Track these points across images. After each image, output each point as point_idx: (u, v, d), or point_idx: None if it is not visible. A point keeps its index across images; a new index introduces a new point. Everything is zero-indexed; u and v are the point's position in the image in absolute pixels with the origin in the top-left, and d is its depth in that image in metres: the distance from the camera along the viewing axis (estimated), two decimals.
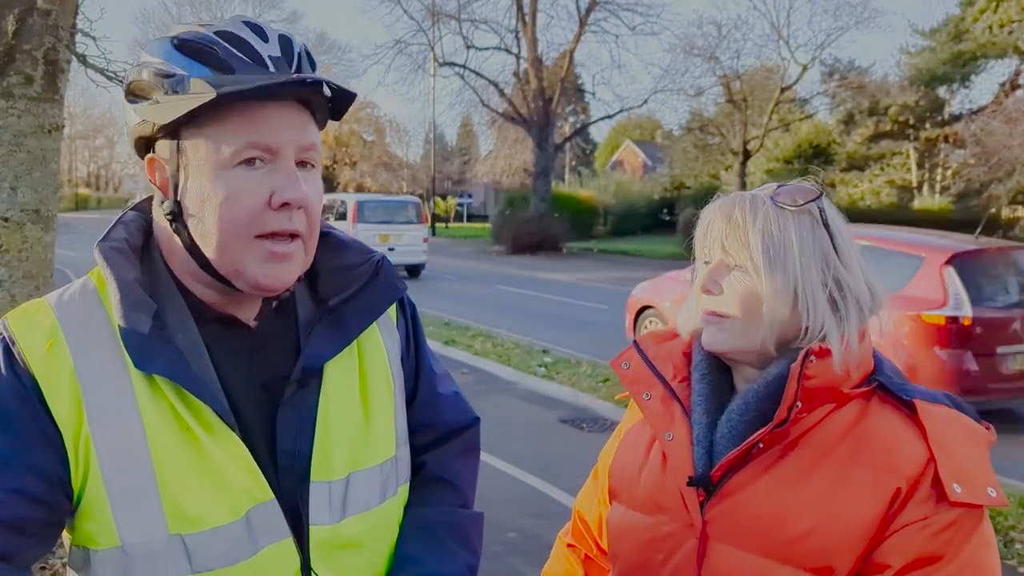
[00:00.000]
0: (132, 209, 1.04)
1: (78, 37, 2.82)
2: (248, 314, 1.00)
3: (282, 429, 0.97)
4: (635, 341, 1.23)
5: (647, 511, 1.12)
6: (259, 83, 0.88)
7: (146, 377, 0.90)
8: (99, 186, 63.60)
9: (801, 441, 1.02)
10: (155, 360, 0.88)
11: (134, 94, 0.94)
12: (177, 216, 0.93)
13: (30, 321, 0.92)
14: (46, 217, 2.70)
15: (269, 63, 0.91)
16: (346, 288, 1.04)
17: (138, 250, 0.98)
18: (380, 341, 1.09)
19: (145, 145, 0.96)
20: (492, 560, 3.80)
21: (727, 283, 1.06)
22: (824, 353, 1.00)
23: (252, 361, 0.98)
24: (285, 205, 0.91)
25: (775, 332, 1.05)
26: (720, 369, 1.13)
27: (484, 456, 5.30)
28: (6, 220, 2.60)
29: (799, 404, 1.00)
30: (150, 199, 1.04)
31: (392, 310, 1.13)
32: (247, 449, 0.93)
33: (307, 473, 0.97)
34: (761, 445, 1.02)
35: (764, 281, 1.03)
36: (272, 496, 0.94)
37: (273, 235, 0.92)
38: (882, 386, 1.05)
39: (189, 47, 0.91)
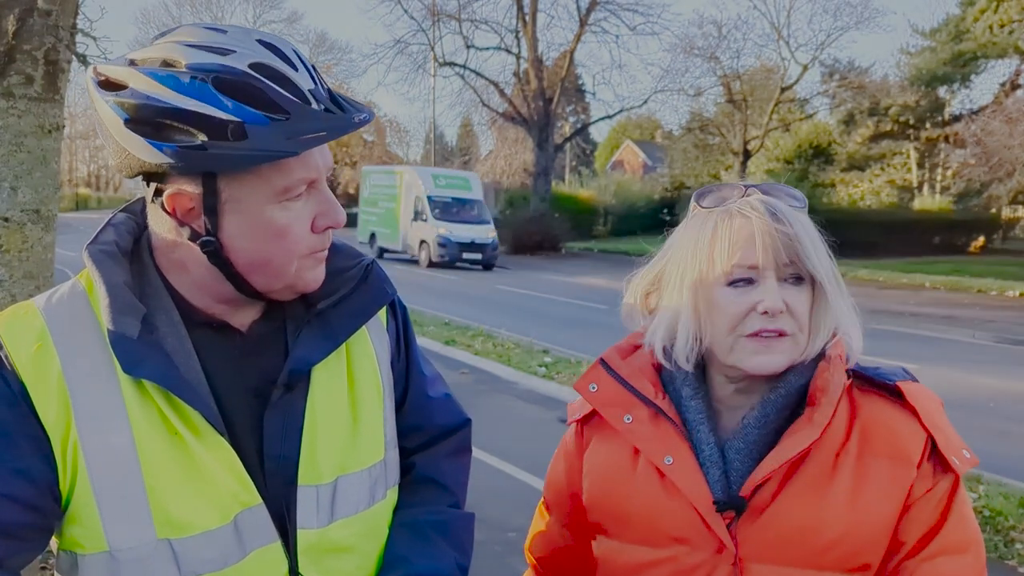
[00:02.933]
0: (121, 211, 1.03)
1: (78, 37, 2.82)
2: (242, 320, 1.00)
3: (269, 433, 0.96)
4: (602, 359, 1.14)
5: (656, 544, 1.05)
6: (334, 132, 0.89)
7: (134, 381, 0.89)
8: (99, 186, 63.58)
9: (813, 445, 1.00)
10: (143, 364, 0.88)
11: (151, 129, 0.86)
12: (217, 251, 0.92)
13: (18, 323, 0.91)
14: (46, 217, 2.70)
15: (311, 99, 0.89)
16: (335, 292, 1.03)
17: (128, 253, 0.97)
18: (369, 344, 1.08)
19: (149, 175, 0.90)
20: (492, 560, 3.80)
21: (790, 298, 1.00)
22: (842, 355, 1.02)
23: (242, 365, 0.98)
24: (327, 227, 0.96)
25: (827, 338, 1.03)
26: (705, 382, 1.09)
27: (484, 456, 5.27)
28: (6, 220, 2.60)
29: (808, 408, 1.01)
30: (139, 200, 1.03)
31: (382, 313, 1.12)
32: (235, 453, 0.92)
33: (294, 477, 0.97)
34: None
35: (828, 287, 1.01)
36: (260, 500, 0.94)
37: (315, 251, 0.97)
38: (856, 375, 1.05)
39: (231, 87, 0.85)
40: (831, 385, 1.00)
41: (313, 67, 0.94)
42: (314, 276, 0.98)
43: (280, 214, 0.91)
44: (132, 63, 0.88)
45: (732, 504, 1.00)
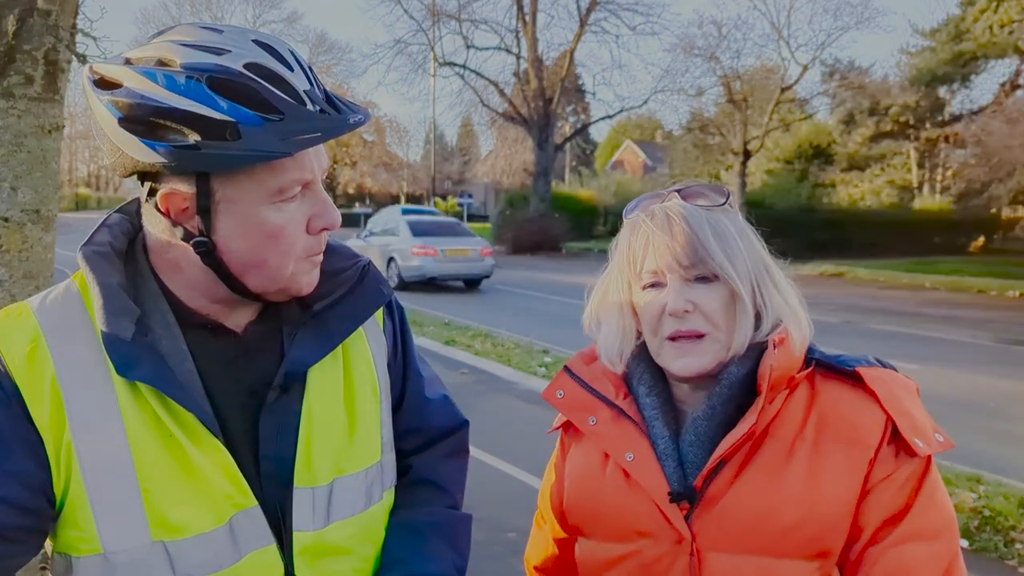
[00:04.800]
0: (116, 212, 1.02)
1: (78, 37, 2.82)
2: (238, 321, 0.99)
3: (264, 435, 0.96)
4: (566, 367, 1.19)
5: (624, 539, 1.08)
6: (329, 133, 0.88)
7: (129, 383, 0.89)
8: (99, 186, 63.57)
9: (768, 433, 1.02)
10: (137, 366, 0.88)
11: (144, 128, 0.85)
12: (211, 251, 0.91)
13: (11, 325, 0.91)
14: (46, 217, 2.70)
15: (306, 99, 0.88)
16: (331, 293, 1.03)
17: (122, 254, 0.97)
18: (366, 346, 1.08)
19: (144, 174, 0.90)
20: (492, 560, 3.79)
21: (695, 298, 1.03)
22: (783, 341, 1.02)
23: (238, 367, 0.98)
24: (322, 229, 0.95)
25: (750, 333, 1.05)
26: (662, 379, 1.11)
27: (484, 456, 5.25)
28: (6, 220, 2.60)
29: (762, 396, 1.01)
30: (134, 200, 1.03)
31: (379, 314, 1.12)
32: (230, 455, 0.92)
33: (290, 479, 0.96)
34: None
35: (737, 283, 1.03)
36: (255, 503, 0.93)
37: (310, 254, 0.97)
38: (819, 363, 1.06)
39: (225, 87, 0.84)
40: (771, 372, 1.00)
41: (310, 67, 0.93)
42: (309, 280, 0.98)
43: (274, 215, 0.91)
44: (127, 62, 0.87)
45: (685, 494, 1.02)
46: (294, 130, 0.86)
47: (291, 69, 0.89)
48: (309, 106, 0.88)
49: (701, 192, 1.08)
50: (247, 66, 0.86)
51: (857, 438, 0.99)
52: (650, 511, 1.05)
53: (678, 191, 1.09)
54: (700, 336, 1.03)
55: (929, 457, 0.99)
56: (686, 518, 1.03)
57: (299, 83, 0.89)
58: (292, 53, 0.92)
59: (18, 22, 2.52)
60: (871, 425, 0.99)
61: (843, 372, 1.04)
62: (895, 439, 0.98)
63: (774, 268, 1.08)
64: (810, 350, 1.07)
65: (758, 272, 1.05)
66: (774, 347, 1.01)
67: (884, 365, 1.06)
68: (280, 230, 0.91)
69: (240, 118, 0.84)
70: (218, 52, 0.86)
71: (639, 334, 1.12)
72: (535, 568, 1.30)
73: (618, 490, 1.09)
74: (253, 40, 0.89)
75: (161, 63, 0.86)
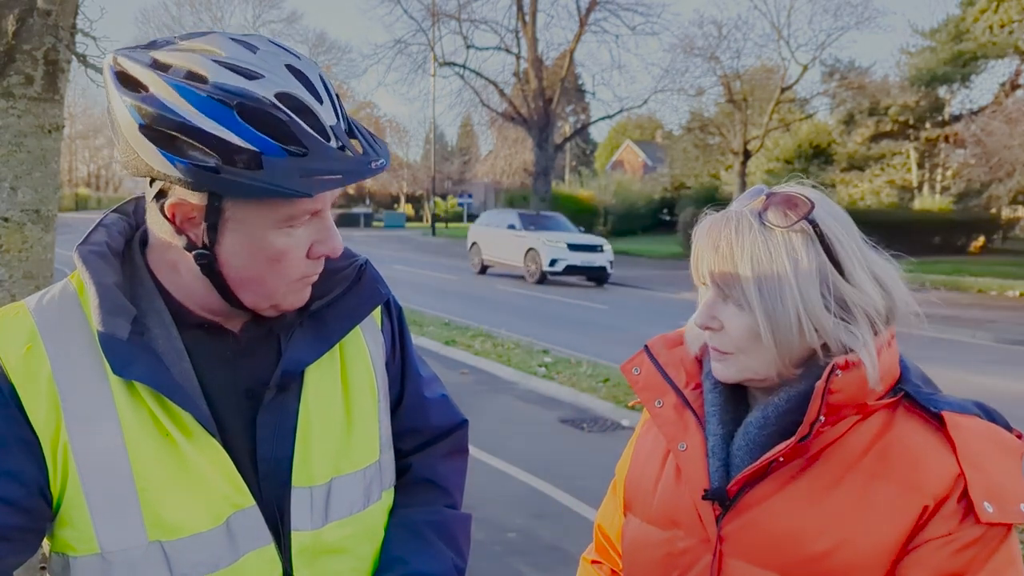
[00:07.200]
0: (113, 212, 1.02)
1: (78, 37, 2.82)
2: (234, 323, 0.99)
3: (262, 434, 0.96)
4: (646, 346, 1.17)
5: (663, 525, 1.08)
6: (350, 177, 0.88)
7: (125, 383, 0.89)
8: (99, 186, 63.58)
9: (823, 455, 0.97)
10: (133, 366, 0.87)
11: (166, 140, 0.84)
12: (211, 263, 0.91)
13: (8, 325, 0.91)
14: (46, 217, 2.70)
15: (331, 135, 0.87)
16: (328, 292, 1.03)
17: (119, 254, 0.97)
18: (363, 345, 1.08)
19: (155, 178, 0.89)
20: (492, 560, 3.80)
21: (725, 318, 1.00)
22: (850, 366, 0.94)
23: (235, 366, 0.98)
24: (322, 255, 0.96)
25: (785, 359, 0.99)
26: None
27: (484, 456, 5.23)
28: (6, 220, 2.60)
29: (822, 419, 0.94)
30: (131, 201, 1.02)
31: (377, 313, 1.12)
32: (227, 455, 0.92)
33: (288, 479, 0.96)
34: (781, 459, 0.98)
35: (760, 316, 0.97)
36: (253, 502, 0.93)
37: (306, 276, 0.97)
38: (908, 396, 0.98)
39: (254, 115, 0.83)
40: (824, 395, 0.94)
41: (337, 96, 0.92)
42: (298, 298, 0.98)
43: (281, 239, 0.91)
44: (155, 63, 0.85)
45: (716, 496, 1.01)
46: (316, 169, 0.85)
47: (320, 101, 0.88)
48: (332, 142, 0.87)
49: (783, 203, 0.99)
50: (278, 96, 0.85)
51: (914, 482, 0.92)
52: (688, 504, 1.05)
53: (770, 195, 1.01)
54: (727, 354, 1.01)
55: (1010, 527, 0.91)
56: (719, 519, 1.01)
57: (327, 117, 0.88)
58: (322, 79, 0.90)
59: (18, 22, 2.52)
60: (937, 474, 0.91)
61: (928, 412, 0.96)
62: (966, 499, 0.90)
63: (845, 304, 0.97)
64: (904, 379, 1.01)
65: (811, 308, 0.96)
66: (834, 369, 0.93)
67: (991, 416, 0.97)
68: (283, 254, 0.92)
69: (264, 148, 0.83)
70: (251, 76, 0.84)
71: None
72: (597, 525, 1.32)
73: (671, 478, 1.09)
74: (286, 65, 0.88)
75: (192, 76, 0.84)
